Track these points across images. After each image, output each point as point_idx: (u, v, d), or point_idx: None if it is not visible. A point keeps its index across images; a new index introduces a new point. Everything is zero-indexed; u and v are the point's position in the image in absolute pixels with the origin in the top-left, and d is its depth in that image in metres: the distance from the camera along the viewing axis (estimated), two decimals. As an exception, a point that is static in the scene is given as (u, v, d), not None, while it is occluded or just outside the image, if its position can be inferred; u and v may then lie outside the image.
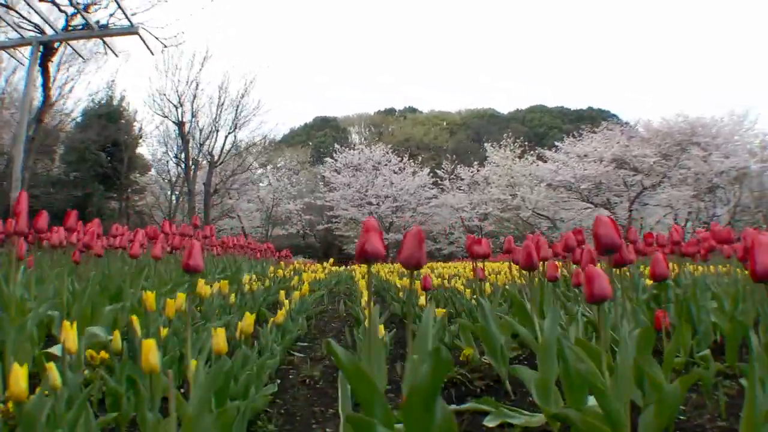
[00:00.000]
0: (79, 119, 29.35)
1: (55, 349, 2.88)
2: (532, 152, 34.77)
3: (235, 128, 31.06)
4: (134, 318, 2.61)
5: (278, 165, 43.35)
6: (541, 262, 3.66)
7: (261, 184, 35.03)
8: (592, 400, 2.03)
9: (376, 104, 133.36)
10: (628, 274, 4.38)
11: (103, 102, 29.46)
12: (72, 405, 1.84)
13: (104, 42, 13.86)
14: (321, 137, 62.94)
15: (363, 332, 3.77)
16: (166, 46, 16.01)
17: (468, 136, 60.86)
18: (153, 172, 33.04)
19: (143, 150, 32.90)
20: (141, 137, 31.19)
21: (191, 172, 29.81)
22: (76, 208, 18.17)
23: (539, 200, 31.28)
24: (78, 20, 15.61)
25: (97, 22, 13.70)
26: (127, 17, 12.10)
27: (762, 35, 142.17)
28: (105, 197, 28.44)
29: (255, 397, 2.47)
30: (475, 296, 4.47)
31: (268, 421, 2.58)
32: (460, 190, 34.41)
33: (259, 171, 36.58)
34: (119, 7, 11.89)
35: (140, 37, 12.54)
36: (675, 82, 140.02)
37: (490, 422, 2.34)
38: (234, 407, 1.85)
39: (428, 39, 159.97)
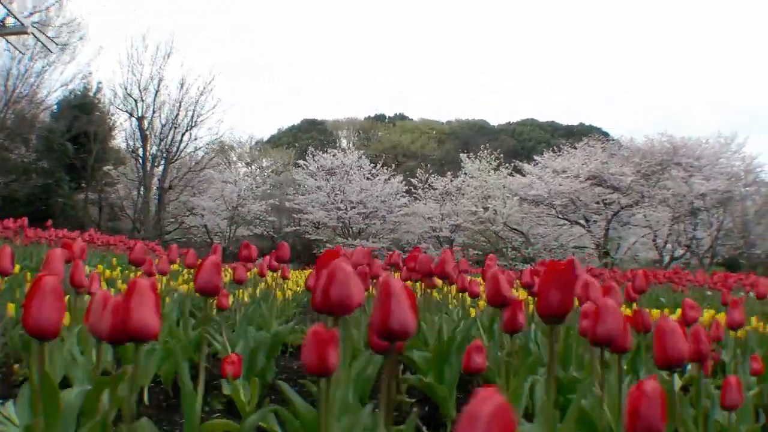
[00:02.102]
0: (54, 109, 29.63)
1: None
2: (507, 165, 34.25)
3: (193, 126, 31.27)
4: None
5: (263, 165, 43.23)
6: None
7: (226, 184, 34.54)
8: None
9: (367, 109, 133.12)
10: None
11: (78, 93, 29.51)
12: None
13: (35, 36, 14.30)
14: (307, 140, 62.37)
15: None
16: (57, 45, 16.69)
17: (455, 147, 60.39)
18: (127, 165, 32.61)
19: (120, 143, 32.87)
20: (113, 130, 31.19)
21: (148, 167, 29.89)
22: (40, 197, 18.13)
23: (511, 214, 30.67)
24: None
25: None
26: (16, 18, 12.47)
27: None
28: (71, 188, 28.30)
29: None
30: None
31: None
32: (433, 200, 33.88)
33: (225, 170, 36.44)
34: (7, 9, 12.19)
35: (35, 36, 13.07)
36: (670, 102, 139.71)
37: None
38: None
39: (423, 47, 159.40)
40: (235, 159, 43.48)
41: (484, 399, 0.60)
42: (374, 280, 3.49)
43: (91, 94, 30.23)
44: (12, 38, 15.37)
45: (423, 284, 3.71)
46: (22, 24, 12.79)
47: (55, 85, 28.10)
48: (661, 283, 11.09)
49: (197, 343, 3.19)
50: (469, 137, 63.51)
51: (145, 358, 2.59)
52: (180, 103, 30.83)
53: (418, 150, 61.73)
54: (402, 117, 79.73)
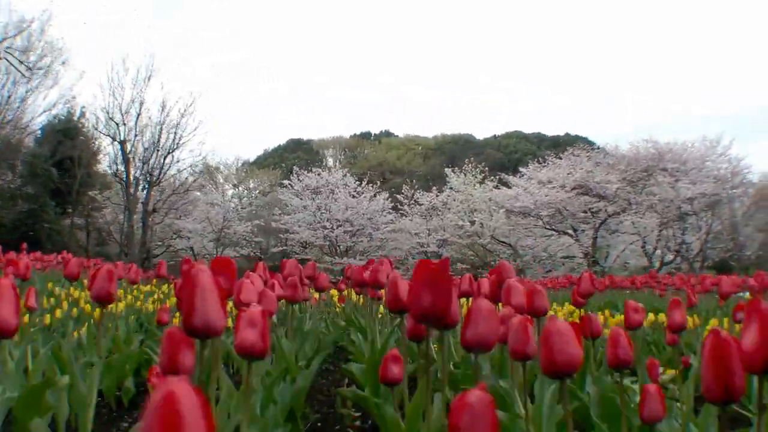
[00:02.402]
0: (38, 134, 29.79)
1: None
2: (492, 178, 34.18)
3: (176, 147, 31.07)
4: None
5: (250, 186, 43.25)
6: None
7: (212, 206, 34.47)
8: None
9: (353, 128, 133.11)
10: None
11: (62, 117, 29.57)
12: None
13: (8, 60, 14.32)
14: (293, 160, 62.32)
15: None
16: (31, 70, 16.63)
17: (441, 162, 60.44)
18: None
19: (105, 167, 32.79)
20: (97, 154, 31.18)
21: (132, 191, 29.83)
22: (26, 222, 18.02)
23: (497, 227, 30.56)
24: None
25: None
26: None
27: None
28: (56, 213, 28.20)
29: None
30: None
31: None
32: (419, 215, 33.76)
33: (209, 192, 36.52)
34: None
35: (7, 60, 13.10)
36: (656, 109, 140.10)
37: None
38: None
39: (407, 63, 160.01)
40: (222, 181, 43.49)
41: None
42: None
43: (75, 118, 30.35)
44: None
45: (367, 294, 3.66)
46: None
47: (38, 110, 28.26)
48: (639, 288, 11.02)
49: (140, 358, 3.18)
50: (455, 152, 63.60)
51: (86, 372, 2.50)
52: (161, 125, 30.71)
53: (404, 166, 61.89)
54: (388, 134, 79.96)
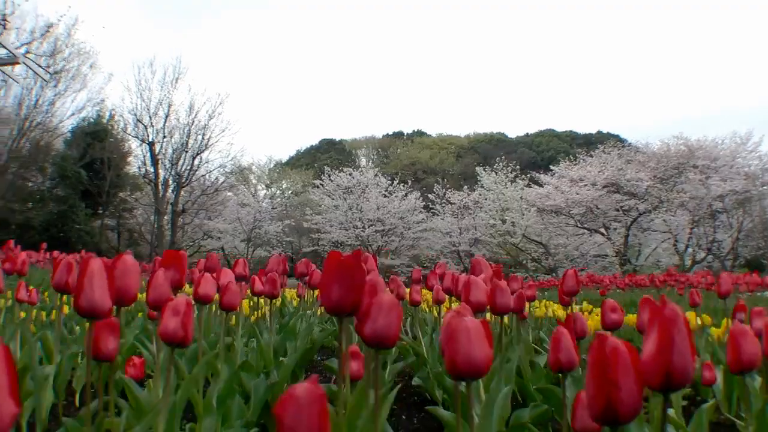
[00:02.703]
0: (68, 136, 30.07)
1: None
2: (523, 176, 33.94)
3: (205, 148, 31.26)
4: None
5: (283, 187, 43.37)
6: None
7: (242, 206, 34.56)
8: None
9: (386, 127, 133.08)
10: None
11: (91, 120, 29.76)
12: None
13: (28, 65, 14.52)
14: (325, 160, 62.48)
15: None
16: (52, 73, 16.96)
17: (474, 161, 60.25)
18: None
19: (135, 169, 33.07)
20: (128, 156, 31.36)
21: (161, 192, 30.05)
22: (56, 224, 18.17)
23: (529, 225, 30.38)
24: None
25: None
26: (7, 49, 12.59)
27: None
28: (87, 215, 28.42)
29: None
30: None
31: None
32: (451, 214, 33.59)
33: (238, 192, 36.74)
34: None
35: (27, 65, 13.31)
36: (688, 104, 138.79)
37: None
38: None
39: (441, 62, 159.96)
40: (254, 181, 43.66)
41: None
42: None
43: (104, 120, 30.63)
44: (7, 68, 15.56)
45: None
46: (14, 54, 12.86)
47: (67, 113, 28.59)
48: (659, 287, 10.88)
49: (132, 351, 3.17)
50: (487, 151, 63.48)
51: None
52: (189, 127, 30.98)
53: (437, 165, 61.74)
54: (420, 133, 79.81)
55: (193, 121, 30.96)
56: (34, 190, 27.46)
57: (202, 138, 31.00)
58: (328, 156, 67.23)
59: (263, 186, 44.49)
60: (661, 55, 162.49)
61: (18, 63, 13.22)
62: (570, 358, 1.61)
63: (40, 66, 15.44)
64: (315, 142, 78.94)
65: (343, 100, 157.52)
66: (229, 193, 33.96)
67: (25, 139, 26.65)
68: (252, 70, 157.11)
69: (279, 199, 39.05)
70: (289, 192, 42.42)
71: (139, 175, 31.88)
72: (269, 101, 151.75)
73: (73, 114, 28.88)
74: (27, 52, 22.97)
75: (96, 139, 28.73)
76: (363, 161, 65.97)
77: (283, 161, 62.59)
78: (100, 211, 30.23)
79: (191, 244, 33.37)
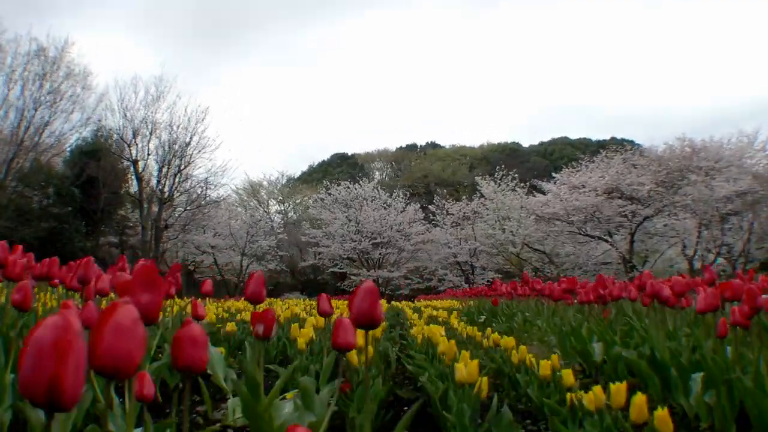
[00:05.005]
0: (67, 155, 30.66)
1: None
2: (523, 184, 33.50)
3: (186, 165, 31.67)
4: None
5: (296, 201, 43.54)
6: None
7: (233, 221, 34.60)
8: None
9: (399, 140, 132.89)
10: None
11: (88, 140, 30.08)
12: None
13: None
14: (337, 174, 62.27)
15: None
16: None
17: (487, 171, 59.90)
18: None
19: (132, 187, 33.04)
20: (126, 174, 31.40)
21: (144, 209, 30.60)
22: (54, 242, 17.99)
23: (528, 233, 29.87)
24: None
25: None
26: None
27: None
28: (86, 232, 28.85)
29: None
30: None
31: None
32: (453, 224, 33.26)
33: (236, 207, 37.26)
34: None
35: None
36: (703, 112, 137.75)
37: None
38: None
39: (455, 73, 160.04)
40: (265, 197, 43.81)
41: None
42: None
43: (102, 139, 30.70)
44: None
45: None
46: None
47: (62, 133, 29.00)
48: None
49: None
50: (501, 160, 62.95)
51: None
52: (171, 145, 31.42)
53: (449, 177, 61.36)
54: (434, 145, 79.68)
55: (176, 139, 31.50)
56: (33, 208, 27.46)
57: (182, 155, 31.45)
58: (340, 170, 67.26)
59: (275, 201, 44.73)
60: (678, 58, 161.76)
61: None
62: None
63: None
64: (327, 156, 79.31)
65: (356, 114, 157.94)
66: (221, 209, 33.96)
67: (25, 158, 27.16)
68: (266, 85, 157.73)
69: (280, 215, 39.32)
70: (301, 207, 42.64)
71: (135, 193, 31.89)
72: (284, 117, 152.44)
73: (61, 135, 29.50)
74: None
75: (93, 158, 28.71)
76: (377, 174, 65.85)
77: (295, 176, 62.80)
78: (102, 228, 30.56)
79: (191, 259, 33.52)
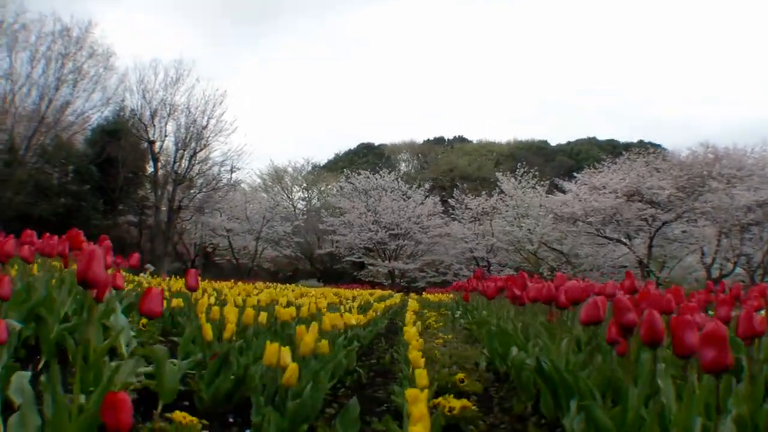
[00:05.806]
0: (88, 134, 31.03)
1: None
2: (543, 183, 33.27)
3: (203, 148, 31.81)
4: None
5: (320, 189, 43.60)
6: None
7: (249, 204, 34.67)
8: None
9: (427, 133, 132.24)
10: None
11: (110, 119, 30.38)
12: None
13: None
14: (362, 164, 62.09)
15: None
16: None
17: (513, 168, 59.62)
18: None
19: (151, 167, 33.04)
20: (147, 154, 31.51)
21: (159, 190, 30.83)
22: (69, 219, 18.10)
23: (545, 233, 29.66)
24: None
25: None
26: None
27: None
28: (104, 210, 29.24)
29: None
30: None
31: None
32: (472, 219, 33.08)
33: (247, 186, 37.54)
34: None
35: None
36: (734, 114, 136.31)
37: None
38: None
39: (486, 67, 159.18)
40: (289, 183, 43.88)
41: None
42: None
43: (124, 120, 31.02)
44: None
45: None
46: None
47: (84, 112, 29.19)
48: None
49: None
50: (527, 157, 62.52)
51: None
52: (189, 127, 31.58)
53: (474, 172, 61.00)
54: (461, 139, 79.29)
55: (192, 120, 31.57)
56: (53, 184, 27.62)
57: (197, 137, 31.59)
58: (364, 160, 66.98)
59: (298, 188, 44.82)
60: (710, 62, 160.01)
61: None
62: None
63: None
64: (353, 145, 79.15)
65: (385, 105, 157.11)
66: (238, 193, 34.05)
67: (46, 135, 27.35)
68: (296, 72, 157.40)
69: (303, 201, 39.39)
70: (324, 195, 42.70)
71: (151, 174, 32.02)
72: (313, 104, 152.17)
73: (82, 114, 29.78)
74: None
75: (114, 138, 28.86)
76: (402, 166, 65.72)
77: (321, 164, 62.84)
78: (120, 208, 30.78)
79: (210, 241, 33.76)
